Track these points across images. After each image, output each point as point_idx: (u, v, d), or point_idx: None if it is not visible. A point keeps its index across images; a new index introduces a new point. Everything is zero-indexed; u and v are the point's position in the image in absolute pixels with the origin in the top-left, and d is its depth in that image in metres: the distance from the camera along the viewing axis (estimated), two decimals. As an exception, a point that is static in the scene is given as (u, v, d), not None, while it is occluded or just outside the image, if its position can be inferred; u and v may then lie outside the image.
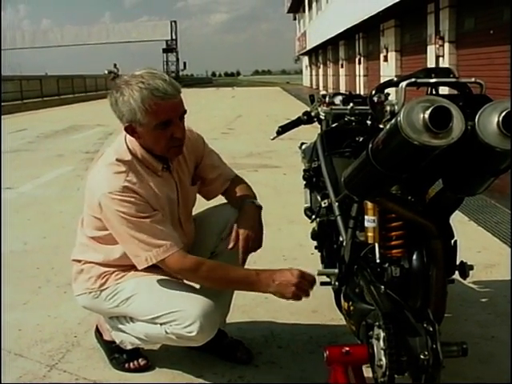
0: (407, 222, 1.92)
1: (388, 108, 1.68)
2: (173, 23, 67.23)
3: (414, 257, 1.95)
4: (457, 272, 2.13)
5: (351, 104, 2.67)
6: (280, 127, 2.96)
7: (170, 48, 68.44)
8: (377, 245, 1.98)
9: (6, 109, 20.97)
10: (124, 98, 2.01)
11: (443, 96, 1.47)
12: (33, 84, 26.44)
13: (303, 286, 2.05)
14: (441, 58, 12.74)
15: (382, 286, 1.88)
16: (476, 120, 1.41)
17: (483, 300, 3.20)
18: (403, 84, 1.59)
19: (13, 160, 8.84)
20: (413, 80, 1.61)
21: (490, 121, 1.40)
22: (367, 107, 2.68)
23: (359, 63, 22.59)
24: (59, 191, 6.40)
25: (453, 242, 2.00)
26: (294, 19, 54.42)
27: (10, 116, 19.70)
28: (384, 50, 18.01)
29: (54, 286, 3.50)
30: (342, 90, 27.16)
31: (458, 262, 2.10)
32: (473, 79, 1.63)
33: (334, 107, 2.71)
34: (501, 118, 1.38)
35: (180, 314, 2.11)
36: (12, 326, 2.93)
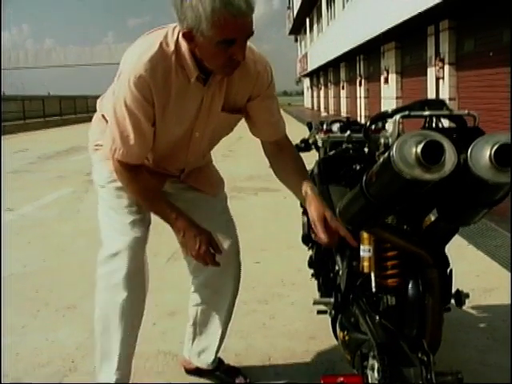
0: (402, 252, 1.94)
1: (382, 140, 1.70)
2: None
3: (410, 286, 1.96)
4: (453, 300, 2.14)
5: (348, 132, 2.69)
6: None
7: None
8: (372, 274, 2.00)
9: (8, 129, 21.07)
10: (192, 1, 1.75)
11: (436, 129, 1.49)
12: (35, 104, 26.60)
13: (204, 257, 2.11)
14: (441, 80, 12.80)
15: (377, 316, 1.88)
16: (468, 153, 1.42)
17: (482, 325, 3.20)
18: (397, 117, 1.61)
19: (14, 181, 8.88)
20: (406, 113, 1.63)
21: (482, 154, 1.41)
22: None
23: (360, 85, 22.68)
24: (59, 213, 6.44)
25: (448, 270, 2.00)
26: (296, 41, 54.78)
27: (12, 136, 19.81)
28: (385, 72, 18.09)
29: (52, 309, 3.51)
30: (343, 111, 27.29)
31: (453, 290, 2.11)
32: (466, 111, 1.65)
33: (331, 135, 2.73)
34: (493, 152, 1.40)
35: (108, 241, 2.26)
36: (10, 350, 2.93)
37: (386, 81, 17.93)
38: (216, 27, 1.74)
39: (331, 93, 32.91)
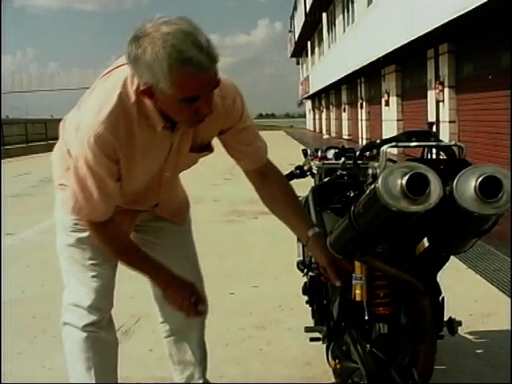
0: (394, 280, 1.95)
1: (370, 171, 1.72)
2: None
3: (402, 314, 1.97)
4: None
5: (343, 159, 2.71)
6: None
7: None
8: (365, 302, 2.00)
9: (11, 152, 21.15)
10: (146, 59, 1.58)
11: (422, 160, 1.50)
12: (38, 127, 26.74)
13: (186, 311, 2.09)
14: (441, 103, 12.85)
15: (368, 345, 1.89)
16: (454, 185, 1.43)
17: (479, 351, 3.18)
18: (384, 148, 1.63)
19: (15, 205, 8.90)
20: (393, 144, 1.64)
21: (467, 186, 1.42)
22: (359, 162, 2.71)
23: (361, 107, 22.77)
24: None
25: (440, 298, 2.01)
26: (298, 63, 55.07)
27: (15, 159, 19.86)
28: (385, 95, 18.17)
29: (49, 335, 3.49)
30: (345, 133, 27.37)
31: (446, 318, 2.12)
32: (453, 142, 1.66)
33: (325, 161, 2.74)
34: (478, 184, 1.41)
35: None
36: (5, 378, 2.92)
37: (387, 103, 18.01)
38: (176, 86, 1.60)
39: (333, 115, 33.02)
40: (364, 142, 20.56)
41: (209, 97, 1.69)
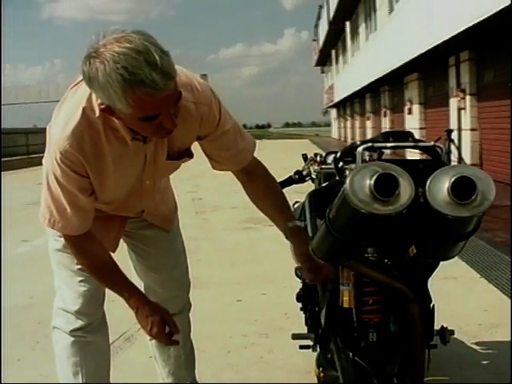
0: (383, 287, 1.89)
1: (347, 173, 1.67)
2: (202, 76, 68.58)
3: (391, 322, 1.92)
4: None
5: (341, 163, 2.67)
6: None
7: (200, 101, 69.67)
8: (354, 309, 1.95)
9: (35, 160, 21.37)
10: (100, 80, 1.52)
11: (394, 161, 1.45)
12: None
13: (157, 338, 2.06)
14: (463, 111, 12.71)
15: (351, 353, 1.83)
16: (427, 187, 1.37)
17: (484, 362, 3.11)
18: (360, 149, 1.58)
19: (33, 212, 8.95)
20: (369, 145, 1.59)
21: (439, 187, 1.36)
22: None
23: (385, 116, 22.64)
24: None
25: (431, 306, 1.96)
26: (322, 72, 55.02)
27: (37, 168, 20.06)
28: (408, 103, 18.05)
29: (51, 342, 3.49)
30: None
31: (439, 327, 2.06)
32: (432, 143, 1.60)
33: (323, 166, 2.70)
34: (450, 185, 1.35)
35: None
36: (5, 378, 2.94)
37: (410, 112, 17.88)
38: (133, 107, 1.54)
39: (357, 123, 32.89)
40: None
41: (170, 113, 1.61)
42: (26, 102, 57.02)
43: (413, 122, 17.53)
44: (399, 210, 1.35)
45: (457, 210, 1.34)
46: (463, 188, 1.33)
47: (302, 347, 2.35)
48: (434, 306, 1.96)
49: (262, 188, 2.11)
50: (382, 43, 18.80)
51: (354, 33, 28.22)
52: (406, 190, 1.36)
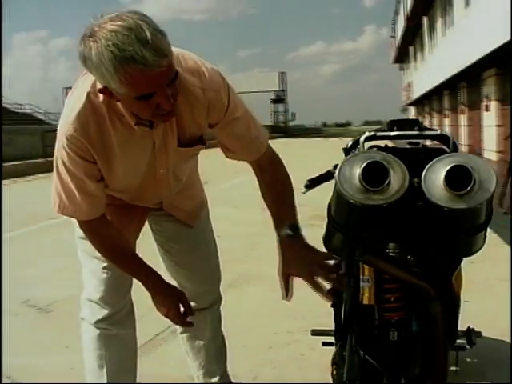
0: (404, 284, 1.82)
1: None
2: (281, 74, 68.35)
3: (413, 320, 1.85)
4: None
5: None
6: (308, 180, 2.86)
7: (279, 99, 69.47)
8: (376, 307, 1.88)
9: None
10: (93, 60, 1.52)
11: (392, 149, 1.38)
12: None
13: (173, 320, 2.06)
14: (542, 107, 12.21)
15: (362, 352, 1.76)
16: (422, 177, 1.30)
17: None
18: (362, 138, 1.52)
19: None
20: (372, 133, 1.53)
21: (436, 177, 1.28)
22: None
23: (462, 113, 22.02)
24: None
25: (456, 304, 1.88)
26: (401, 69, 54.08)
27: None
28: (485, 100, 17.48)
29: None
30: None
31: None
32: (438, 132, 1.51)
33: None
34: (445, 174, 1.27)
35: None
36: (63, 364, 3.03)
37: (487, 108, 17.32)
38: (125, 85, 1.53)
39: (435, 121, 32.15)
40: (464, 149, 19.87)
41: (166, 92, 1.58)
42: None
43: (490, 119, 16.96)
44: (391, 201, 1.28)
45: (453, 202, 1.26)
46: (461, 178, 1.25)
47: (324, 344, 2.29)
48: (457, 304, 1.88)
49: (268, 185, 2.03)
50: (458, 38, 18.27)
51: (431, 28, 27.56)
52: (398, 179, 1.29)
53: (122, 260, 2.05)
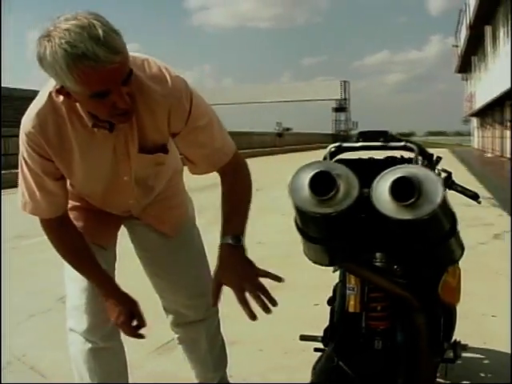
0: (388, 293, 1.84)
1: None
2: (343, 83, 67.97)
3: (397, 331, 1.87)
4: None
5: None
6: None
7: (341, 107, 69.07)
8: (363, 315, 1.91)
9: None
10: (47, 59, 1.54)
11: (350, 160, 1.42)
12: None
13: (121, 328, 2.06)
14: None
15: (336, 359, 1.78)
16: (372, 187, 1.33)
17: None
18: (327, 149, 1.55)
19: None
20: (337, 144, 1.56)
21: (383, 188, 1.31)
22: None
23: (523, 125, 21.46)
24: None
25: (440, 317, 1.90)
26: (463, 79, 53.07)
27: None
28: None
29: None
30: (508, 152, 25.89)
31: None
32: (403, 143, 1.53)
33: None
34: (391, 185, 1.30)
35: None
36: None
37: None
38: (79, 83, 1.55)
39: (497, 133, 31.42)
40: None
41: (121, 90, 1.60)
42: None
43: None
44: (339, 210, 1.32)
45: (399, 212, 1.29)
46: (407, 190, 1.28)
47: (316, 350, 2.30)
48: (441, 317, 1.89)
49: (226, 192, 2.02)
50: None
51: (494, 37, 26.99)
52: (346, 189, 1.32)
53: (79, 262, 2.06)
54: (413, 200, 1.27)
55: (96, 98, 1.60)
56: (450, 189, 2.66)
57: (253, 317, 1.80)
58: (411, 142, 1.52)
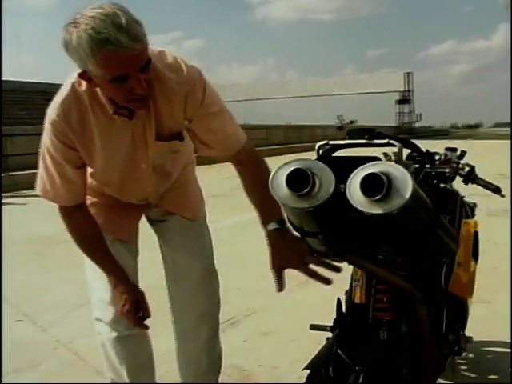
0: (391, 285, 1.87)
1: None
2: (407, 74, 66.77)
3: (402, 322, 1.89)
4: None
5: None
6: None
7: (404, 99, 67.89)
8: (371, 306, 1.92)
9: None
10: (73, 44, 1.67)
11: (322, 158, 1.47)
12: (259, 133, 27.66)
13: (126, 316, 2.10)
14: None
15: (335, 347, 1.82)
16: (348, 183, 1.38)
17: None
18: (316, 146, 1.60)
19: (207, 205, 9.45)
20: (325, 142, 1.61)
21: (356, 184, 1.35)
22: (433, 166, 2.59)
23: None
24: (231, 235, 6.89)
25: (443, 309, 1.92)
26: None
27: (223, 164, 21.00)
28: None
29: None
30: None
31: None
32: (386, 140, 1.56)
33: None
34: (361, 181, 1.36)
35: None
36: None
37: None
38: (101, 67, 1.66)
39: None
40: None
41: (139, 77, 1.72)
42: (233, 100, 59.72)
43: None
44: (317, 204, 1.37)
45: (370, 207, 1.33)
46: (377, 185, 1.33)
47: (328, 339, 2.35)
48: (443, 309, 1.92)
49: (251, 182, 2.10)
50: None
51: None
52: (323, 185, 1.38)
53: (92, 249, 2.15)
54: (381, 195, 1.32)
55: (115, 82, 1.71)
56: (472, 183, 2.68)
57: (328, 281, 1.87)
58: (395, 139, 1.55)
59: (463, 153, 2.78)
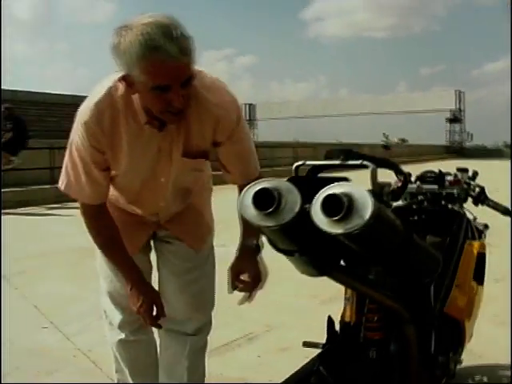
0: (381, 305, 1.88)
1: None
2: (458, 93, 65.68)
3: (391, 342, 1.91)
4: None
5: (418, 183, 2.64)
6: None
7: (455, 118, 66.77)
8: (363, 325, 1.93)
9: (277, 173, 22.35)
10: (122, 47, 1.70)
11: (292, 178, 1.52)
12: (306, 150, 27.49)
13: (143, 316, 2.15)
14: None
15: (321, 367, 1.83)
16: (312, 203, 1.39)
17: None
18: (293, 166, 1.63)
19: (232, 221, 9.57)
20: (301, 162, 1.63)
21: (318, 204, 1.38)
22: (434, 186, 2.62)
23: None
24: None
25: (431, 330, 1.92)
26: None
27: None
28: None
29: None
30: None
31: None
32: (360, 161, 1.58)
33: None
34: (322, 201, 1.38)
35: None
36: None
37: None
38: (145, 73, 1.69)
39: None
40: None
41: (179, 90, 1.74)
42: (281, 118, 59.37)
43: None
44: (282, 223, 1.40)
45: (331, 227, 1.35)
46: (337, 206, 1.36)
47: (320, 356, 2.37)
48: (432, 329, 1.92)
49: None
50: None
51: None
52: (289, 205, 1.41)
53: (110, 249, 2.18)
54: (341, 215, 1.35)
55: (156, 90, 1.74)
56: (482, 204, 2.68)
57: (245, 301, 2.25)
58: (369, 159, 1.57)
59: (475, 174, 2.78)
